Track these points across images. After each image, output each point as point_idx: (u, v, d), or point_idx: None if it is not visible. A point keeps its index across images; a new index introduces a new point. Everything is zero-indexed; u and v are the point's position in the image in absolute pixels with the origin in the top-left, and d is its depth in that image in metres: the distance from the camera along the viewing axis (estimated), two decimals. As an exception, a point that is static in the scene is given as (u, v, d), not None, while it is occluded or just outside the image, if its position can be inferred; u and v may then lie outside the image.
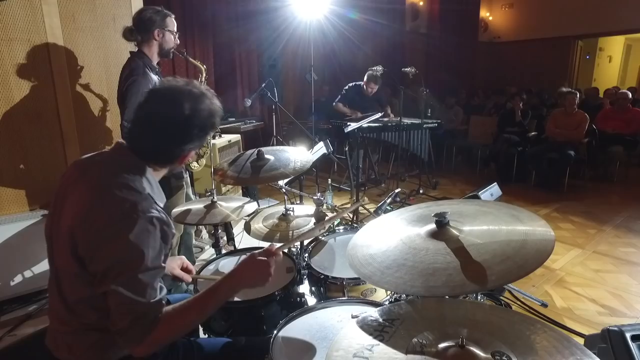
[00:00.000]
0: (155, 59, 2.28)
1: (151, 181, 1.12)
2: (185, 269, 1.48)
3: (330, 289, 1.73)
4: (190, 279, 1.48)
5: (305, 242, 2.01)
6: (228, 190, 3.87)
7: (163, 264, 1.05)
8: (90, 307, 1.04)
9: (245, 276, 1.14)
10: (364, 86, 4.87)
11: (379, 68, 4.77)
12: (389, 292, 1.71)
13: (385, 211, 3.61)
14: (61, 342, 1.09)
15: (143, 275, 0.98)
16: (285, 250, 1.28)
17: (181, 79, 1.15)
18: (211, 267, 1.78)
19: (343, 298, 1.58)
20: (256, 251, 1.19)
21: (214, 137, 3.49)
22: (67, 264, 1.03)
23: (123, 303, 0.97)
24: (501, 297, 2.54)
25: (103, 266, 0.97)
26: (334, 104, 5.07)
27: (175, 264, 1.46)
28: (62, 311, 1.07)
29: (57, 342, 1.10)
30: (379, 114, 4.52)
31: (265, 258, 1.15)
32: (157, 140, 1.08)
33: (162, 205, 1.14)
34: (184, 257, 1.52)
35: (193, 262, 2.83)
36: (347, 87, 5.02)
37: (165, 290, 1.06)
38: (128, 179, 1.05)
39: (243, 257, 1.84)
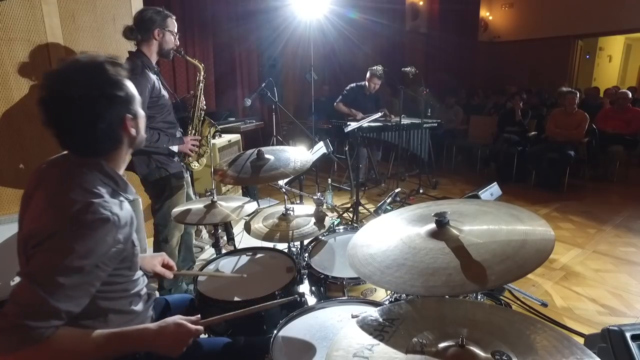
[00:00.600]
0: (154, 59, 2.28)
1: (112, 174, 1.07)
2: (166, 266, 1.46)
3: (330, 289, 1.73)
4: (171, 276, 1.47)
5: (305, 241, 2.01)
6: (228, 190, 3.87)
7: (97, 273, 0.96)
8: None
9: (162, 340, 1.04)
10: (367, 83, 4.87)
11: (379, 68, 4.77)
12: (388, 291, 1.71)
13: (385, 211, 3.62)
14: None
15: (63, 276, 0.90)
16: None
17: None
18: (211, 266, 1.78)
19: (343, 298, 1.58)
20: (182, 316, 1.10)
21: (214, 137, 3.48)
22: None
23: (25, 294, 0.90)
24: (501, 297, 2.54)
25: (34, 251, 0.94)
26: (335, 104, 5.07)
27: (156, 261, 1.44)
28: None
29: None
30: (379, 114, 4.52)
31: (190, 327, 1.07)
32: (78, 135, 1.01)
33: (131, 197, 1.11)
34: (164, 253, 1.51)
35: (193, 262, 2.83)
36: (348, 88, 5.02)
37: (76, 310, 0.94)
38: (83, 180, 1.01)
39: (244, 256, 1.85)
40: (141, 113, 1.14)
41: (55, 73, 1.01)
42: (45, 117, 1.00)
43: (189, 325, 1.08)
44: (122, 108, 1.05)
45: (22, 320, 0.88)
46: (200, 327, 1.10)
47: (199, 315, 1.14)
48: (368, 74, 4.82)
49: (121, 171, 1.14)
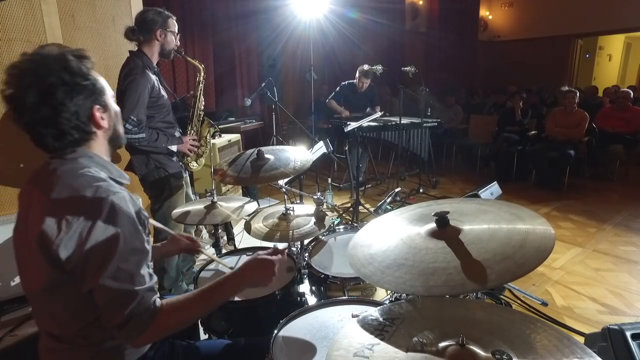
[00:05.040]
0: (155, 59, 2.29)
1: (103, 163, 1.07)
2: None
3: (331, 289, 1.74)
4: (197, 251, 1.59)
5: (305, 241, 2.01)
6: (228, 190, 3.87)
7: (144, 246, 1.01)
8: (74, 316, 1.01)
9: (250, 274, 1.14)
10: (357, 82, 4.87)
11: (379, 67, 4.76)
12: (389, 291, 1.71)
13: (385, 210, 3.61)
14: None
15: (125, 262, 0.95)
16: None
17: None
18: (211, 266, 1.78)
19: (343, 297, 1.58)
20: (261, 251, 1.19)
21: (213, 137, 3.48)
22: (42, 277, 0.97)
23: (113, 296, 0.95)
24: (501, 296, 2.54)
25: (81, 259, 0.93)
26: (327, 100, 5.08)
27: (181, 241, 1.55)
28: (54, 327, 1.04)
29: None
30: (379, 114, 4.51)
31: (270, 257, 1.17)
32: (44, 127, 0.99)
33: (127, 181, 1.12)
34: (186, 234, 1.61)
35: (193, 262, 2.84)
36: (340, 85, 5.03)
37: (155, 278, 1.04)
38: (78, 168, 1.01)
39: (244, 256, 1.85)
40: (115, 108, 1.12)
41: (15, 66, 0.99)
42: (10, 111, 0.99)
43: (269, 256, 1.17)
44: (87, 98, 1.02)
45: (125, 314, 0.95)
46: (280, 255, 1.20)
47: (276, 245, 1.25)
48: (357, 73, 4.81)
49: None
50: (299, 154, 1.94)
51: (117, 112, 1.13)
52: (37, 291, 1.01)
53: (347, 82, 5.00)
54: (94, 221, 0.93)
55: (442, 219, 1.15)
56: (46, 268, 0.96)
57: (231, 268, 1.72)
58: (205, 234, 3.63)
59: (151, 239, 1.13)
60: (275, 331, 1.26)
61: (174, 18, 2.30)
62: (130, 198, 1.02)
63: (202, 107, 2.58)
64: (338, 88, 5.03)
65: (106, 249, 0.94)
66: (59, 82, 0.97)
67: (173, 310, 1.02)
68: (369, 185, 5.23)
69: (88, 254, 0.93)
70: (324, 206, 2.12)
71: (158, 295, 1.03)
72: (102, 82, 1.07)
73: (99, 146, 1.09)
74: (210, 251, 1.76)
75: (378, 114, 4.50)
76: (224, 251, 2.08)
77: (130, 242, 0.97)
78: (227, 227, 3.31)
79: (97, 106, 1.05)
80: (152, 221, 1.53)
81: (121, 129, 1.16)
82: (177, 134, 2.42)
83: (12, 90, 0.97)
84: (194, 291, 1.09)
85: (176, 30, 2.30)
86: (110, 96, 1.10)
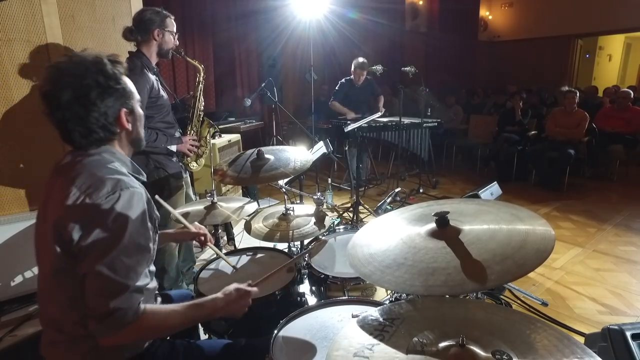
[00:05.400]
0: (154, 59, 2.29)
1: (124, 160, 1.15)
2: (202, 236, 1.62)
3: (331, 289, 1.74)
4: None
5: (306, 241, 2.01)
6: (228, 190, 3.87)
7: (148, 245, 1.05)
8: (76, 304, 1.03)
9: (228, 304, 1.17)
10: (353, 76, 4.84)
11: (379, 67, 4.76)
12: (389, 291, 1.71)
13: (385, 210, 3.62)
14: (56, 353, 1.10)
15: (126, 256, 0.99)
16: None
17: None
18: (212, 266, 1.78)
19: (343, 297, 1.58)
20: (241, 285, 1.22)
21: (213, 137, 3.48)
22: (52, 259, 1.01)
23: (105, 285, 0.97)
24: (501, 296, 2.54)
25: (86, 242, 0.97)
26: (330, 102, 5.05)
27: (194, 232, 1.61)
28: (57, 314, 1.06)
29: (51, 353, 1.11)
30: (379, 114, 4.51)
31: (247, 291, 1.21)
32: (74, 124, 1.04)
33: (144, 178, 1.18)
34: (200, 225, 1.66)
35: (194, 262, 2.84)
36: (340, 83, 5.00)
37: (148, 280, 1.06)
38: (102, 160, 1.08)
39: (244, 256, 1.85)
40: (139, 112, 1.18)
41: (55, 65, 1.05)
42: (45, 107, 1.05)
43: (246, 287, 1.21)
44: (117, 100, 1.09)
45: (110, 306, 0.97)
46: (255, 288, 1.24)
47: (250, 281, 1.27)
48: (352, 67, 4.77)
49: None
50: (299, 154, 1.94)
51: (141, 115, 1.20)
52: (49, 276, 1.05)
53: (344, 79, 4.97)
54: (109, 209, 0.98)
55: (442, 219, 1.15)
56: (56, 251, 1.00)
57: (234, 267, 1.72)
58: (205, 234, 3.62)
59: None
60: (275, 331, 1.26)
61: (173, 17, 2.29)
62: (147, 196, 1.08)
63: (202, 107, 2.58)
64: (337, 86, 5.01)
65: (112, 238, 0.98)
66: (94, 84, 1.03)
67: (153, 317, 1.04)
68: (372, 186, 5.23)
69: (95, 239, 0.97)
70: (324, 206, 2.12)
71: (151, 306, 1.05)
72: (131, 86, 1.14)
73: (121, 146, 1.17)
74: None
75: (380, 113, 4.48)
76: (224, 251, 2.07)
77: (136, 237, 1.01)
78: (227, 227, 3.31)
79: (125, 109, 1.11)
80: (168, 207, 1.60)
81: (142, 132, 1.22)
82: (177, 134, 2.42)
83: (50, 88, 1.03)
84: (176, 304, 1.12)
85: (174, 30, 2.30)
86: (136, 100, 1.17)
